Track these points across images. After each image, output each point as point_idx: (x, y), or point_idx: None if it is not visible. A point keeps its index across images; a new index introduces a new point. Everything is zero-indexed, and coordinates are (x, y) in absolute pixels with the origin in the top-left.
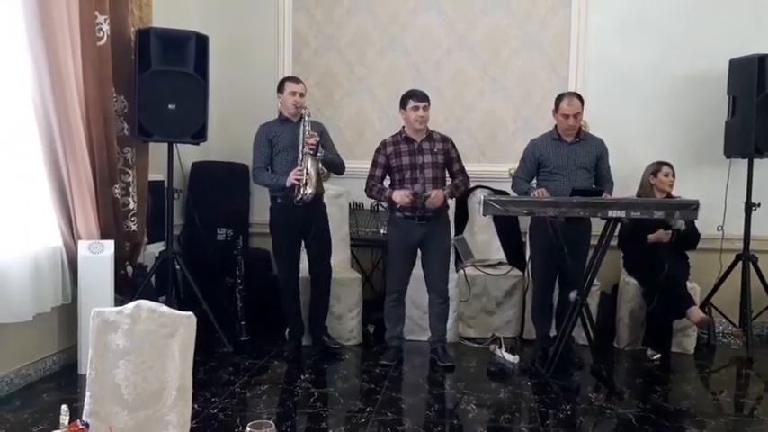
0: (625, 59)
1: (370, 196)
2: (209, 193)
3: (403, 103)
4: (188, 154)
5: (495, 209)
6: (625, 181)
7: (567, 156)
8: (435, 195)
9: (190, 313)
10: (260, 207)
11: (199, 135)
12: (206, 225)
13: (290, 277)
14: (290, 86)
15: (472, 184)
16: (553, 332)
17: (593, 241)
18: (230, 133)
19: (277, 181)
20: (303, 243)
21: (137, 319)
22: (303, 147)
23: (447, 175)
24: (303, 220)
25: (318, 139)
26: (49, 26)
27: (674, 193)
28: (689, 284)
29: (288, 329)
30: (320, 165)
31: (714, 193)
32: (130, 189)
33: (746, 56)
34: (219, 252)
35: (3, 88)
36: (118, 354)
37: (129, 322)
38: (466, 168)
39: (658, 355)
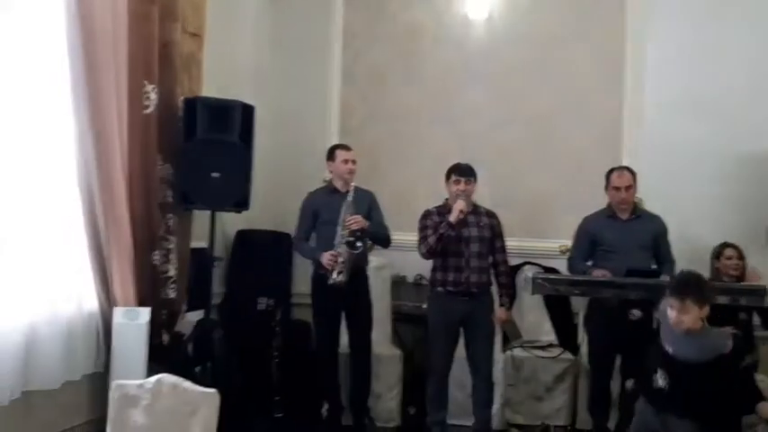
0: (681, 137)
1: (430, 251)
2: (252, 262)
3: (447, 176)
4: (233, 222)
5: (544, 288)
6: (683, 264)
7: (623, 234)
8: (504, 317)
9: (213, 391)
10: (303, 277)
11: (241, 203)
12: (247, 294)
13: (328, 349)
14: (341, 154)
15: (521, 260)
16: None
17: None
18: (275, 202)
19: (312, 254)
20: (344, 315)
21: (158, 394)
22: (342, 229)
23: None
24: (344, 292)
25: (363, 225)
26: (95, 92)
27: None
28: (758, 377)
29: (325, 407)
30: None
31: None
32: (171, 256)
33: None
34: (259, 322)
35: (45, 150)
36: (136, 431)
37: (149, 398)
38: (513, 244)
39: None
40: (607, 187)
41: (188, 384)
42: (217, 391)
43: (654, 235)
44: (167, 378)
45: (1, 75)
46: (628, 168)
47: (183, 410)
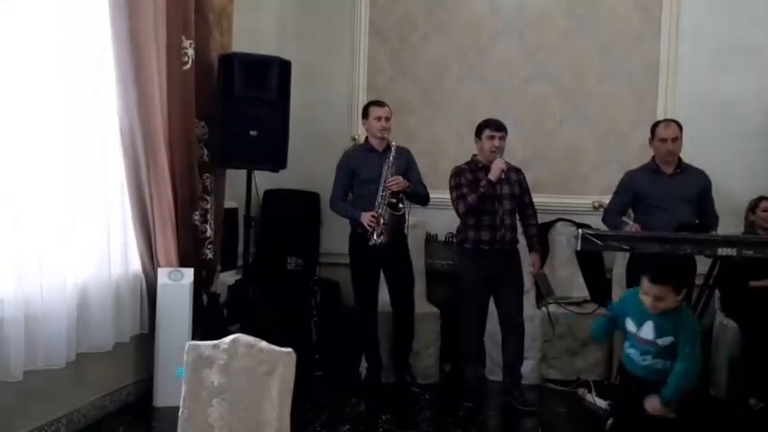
0: (719, 90)
1: (470, 210)
2: (281, 222)
3: (478, 132)
4: (259, 181)
5: (593, 244)
6: (721, 219)
7: (668, 188)
8: (537, 269)
9: (289, 350)
10: (330, 236)
11: (279, 162)
12: (276, 254)
13: (368, 309)
14: (374, 111)
15: (553, 217)
16: None
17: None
18: (302, 161)
19: (352, 214)
20: (383, 274)
21: (233, 354)
22: (383, 190)
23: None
24: (384, 252)
25: (404, 185)
26: (137, 49)
27: None
28: None
29: (365, 365)
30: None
31: None
32: (208, 216)
33: None
34: (289, 281)
35: (91, 111)
36: (213, 392)
37: (225, 358)
38: (545, 200)
39: (762, 405)
40: (652, 140)
41: (264, 344)
42: (293, 350)
43: (698, 189)
44: (243, 338)
45: (47, 33)
46: (675, 121)
47: (259, 370)
